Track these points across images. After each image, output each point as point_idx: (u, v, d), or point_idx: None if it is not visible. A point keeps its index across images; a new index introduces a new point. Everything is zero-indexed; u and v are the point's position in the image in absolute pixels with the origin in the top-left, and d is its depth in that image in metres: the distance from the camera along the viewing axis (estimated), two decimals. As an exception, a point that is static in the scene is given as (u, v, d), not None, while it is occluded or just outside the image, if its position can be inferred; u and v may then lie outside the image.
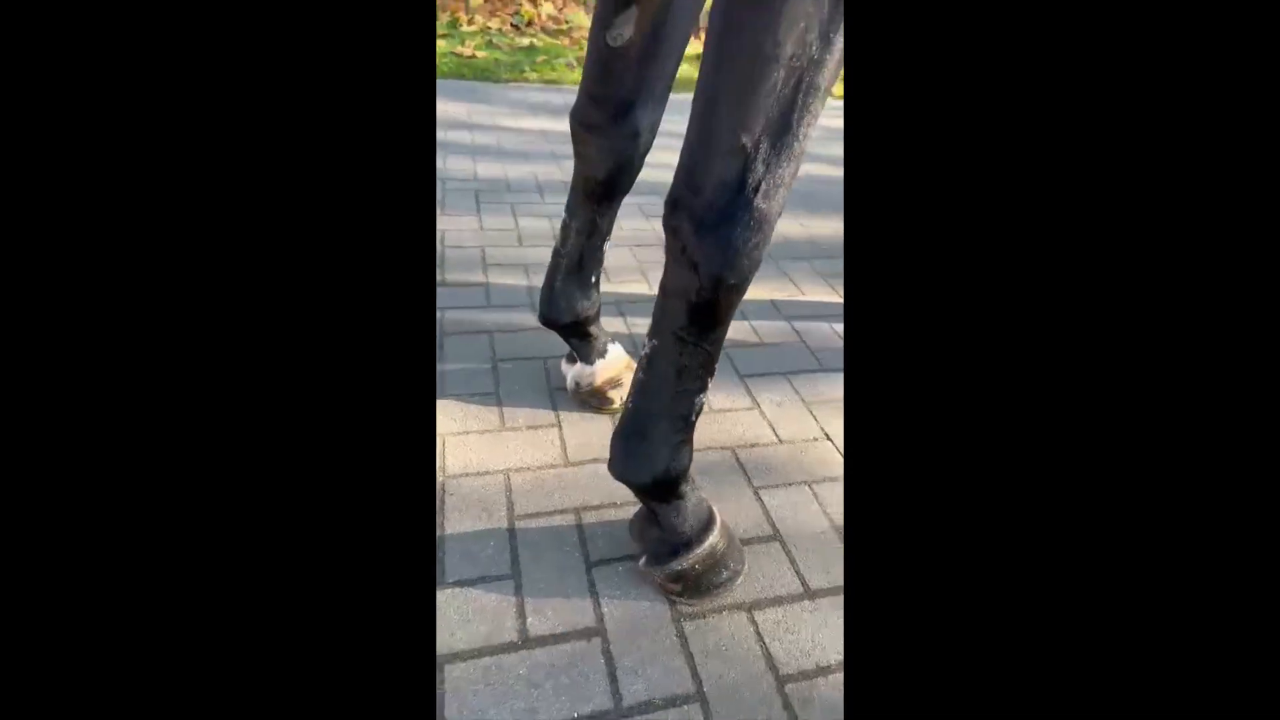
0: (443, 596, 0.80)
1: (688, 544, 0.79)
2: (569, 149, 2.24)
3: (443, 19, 3.63)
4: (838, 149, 2.32)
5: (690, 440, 0.76)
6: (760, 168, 0.56)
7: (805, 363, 1.31)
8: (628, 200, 1.65)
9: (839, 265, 1.70)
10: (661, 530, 0.79)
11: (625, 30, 0.76)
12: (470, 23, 3.65)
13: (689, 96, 2.05)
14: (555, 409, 1.11)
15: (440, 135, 2.22)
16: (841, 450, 1.09)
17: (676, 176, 0.60)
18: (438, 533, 0.88)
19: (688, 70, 2.44)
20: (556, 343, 1.24)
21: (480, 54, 3.23)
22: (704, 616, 0.81)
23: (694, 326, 0.66)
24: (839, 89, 2.53)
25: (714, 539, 0.80)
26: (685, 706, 0.72)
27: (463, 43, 3.32)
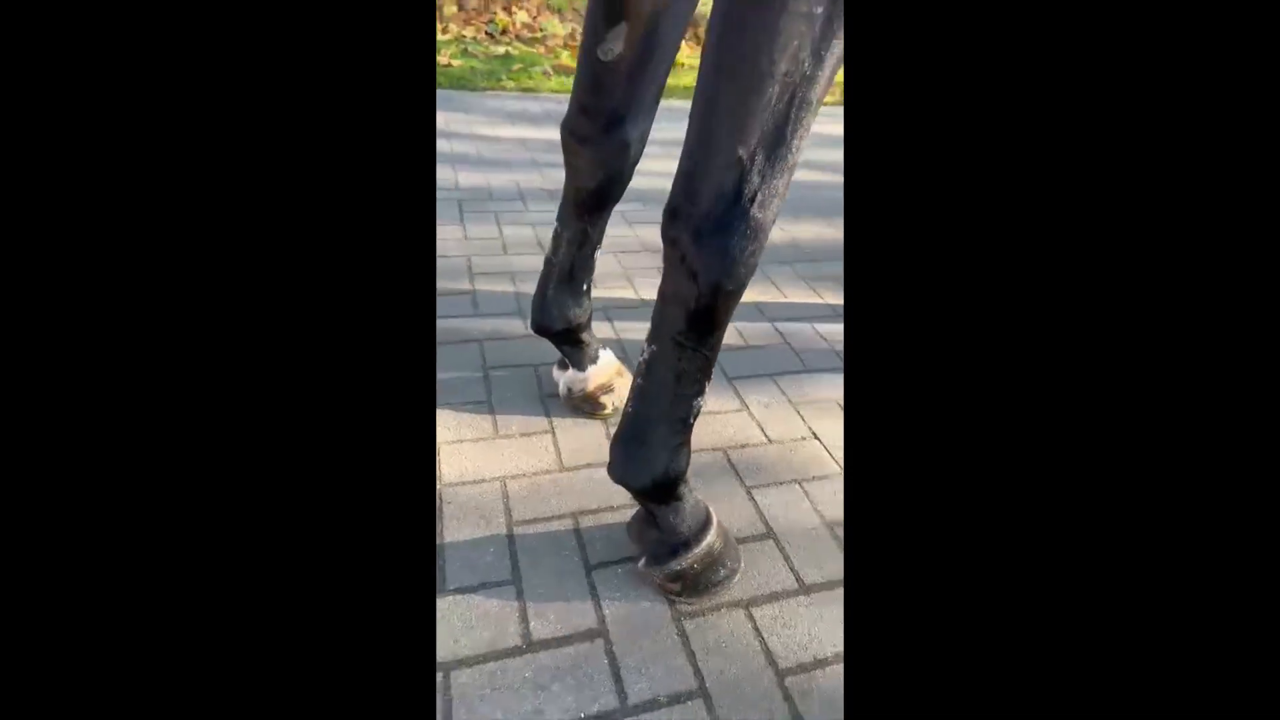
0: (445, 604, 0.81)
1: (686, 544, 0.80)
2: (550, 157, 2.25)
3: (417, 27, 3.61)
4: (819, 154, 2.36)
5: (688, 443, 0.78)
6: (756, 179, 0.58)
7: (791, 364, 1.34)
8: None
9: (820, 269, 1.74)
10: (660, 531, 0.81)
11: (616, 45, 0.78)
12: (445, 31, 3.64)
13: (674, 103, 2.06)
14: (548, 415, 1.12)
15: (420, 144, 2.22)
16: (829, 448, 1.12)
17: (674, 187, 0.63)
18: (437, 541, 0.88)
19: (672, 79, 2.47)
20: (547, 350, 1.25)
21: (456, 62, 3.23)
22: (703, 614, 0.83)
23: (692, 332, 0.68)
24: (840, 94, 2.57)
25: (711, 538, 0.82)
26: (689, 703, 0.73)
27: (438, 51, 3.32)
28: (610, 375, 1.12)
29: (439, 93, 2.83)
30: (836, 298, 1.61)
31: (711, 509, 0.86)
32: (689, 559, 0.80)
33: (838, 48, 0.53)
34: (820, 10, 0.50)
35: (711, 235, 0.60)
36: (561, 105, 2.86)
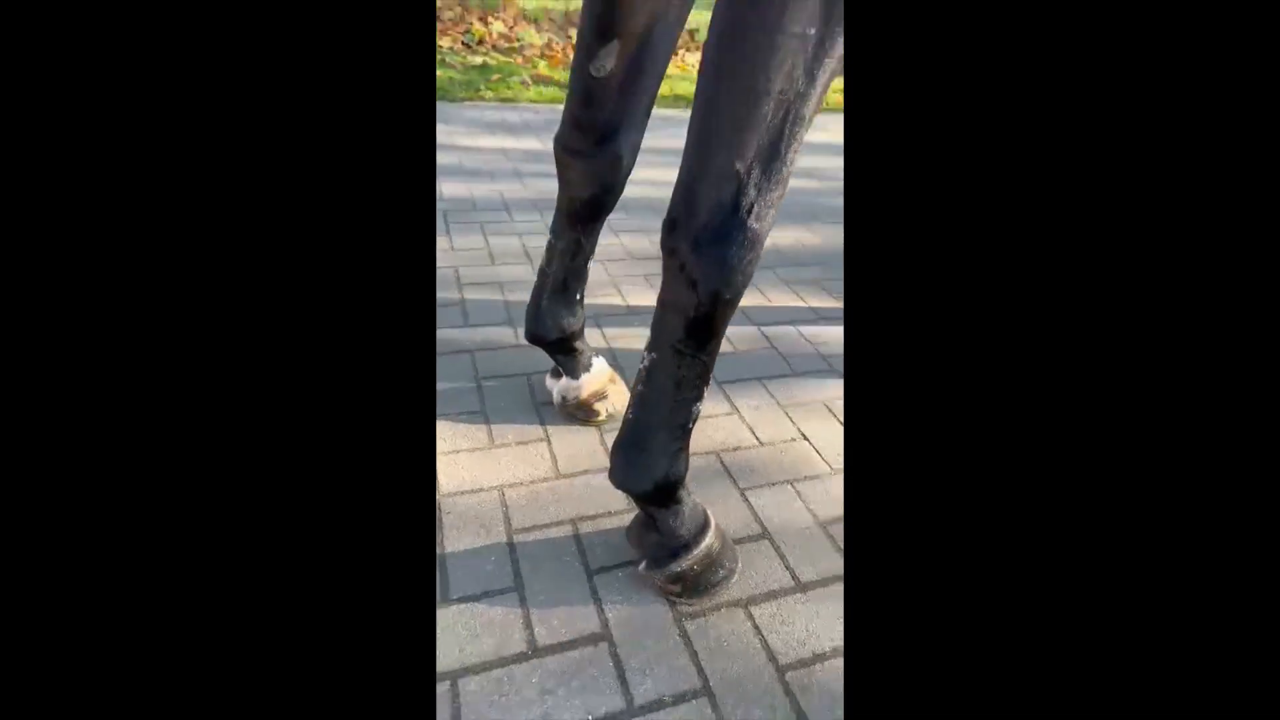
0: (450, 613, 0.81)
1: (686, 546, 0.82)
2: (532, 167, 2.26)
3: (392, 38, 3.60)
4: (801, 161, 2.41)
5: (687, 447, 0.80)
6: (753, 191, 0.60)
7: (778, 368, 1.36)
8: (596, 216, 1.69)
9: (801, 273, 1.77)
10: (661, 535, 0.83)
11: (608, 61, 0.80)
12: (421, 41, 3.63)
13: (657, 111, 2.08)
14: (542, 423, 1.14)
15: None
16: (818, 449, 1.15)
17: (673, 200, 0.65)
18: (439, 551, 0.89)
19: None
20: (538, 359, 1.27)
21: (433, 73, 3.22)
22: (704, 615, 0.84)
23: (691, 339, 0.70)
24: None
25: (710, 540, 0.84)
26: (694, 701, 0.75)
27: (415, 61, 3.30)
28: (603, 382, 1.14)
29: (417, 103, 2.82)
30: (818, 301, 1.65)
31: (709, 511, 0.88)
32: (689, 561, 0.82)
33: (829, 66, 0.56)
34: (813, 31, 0.53)
35: (710, 246, 0.63)
36: (540, 115, 2.87)
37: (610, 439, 1.11)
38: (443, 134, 2.49)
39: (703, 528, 0.85)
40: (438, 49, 3.61)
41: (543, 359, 1.26)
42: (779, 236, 1.98)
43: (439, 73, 3.24)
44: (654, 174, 2.00)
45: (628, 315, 1.49)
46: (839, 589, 0.90)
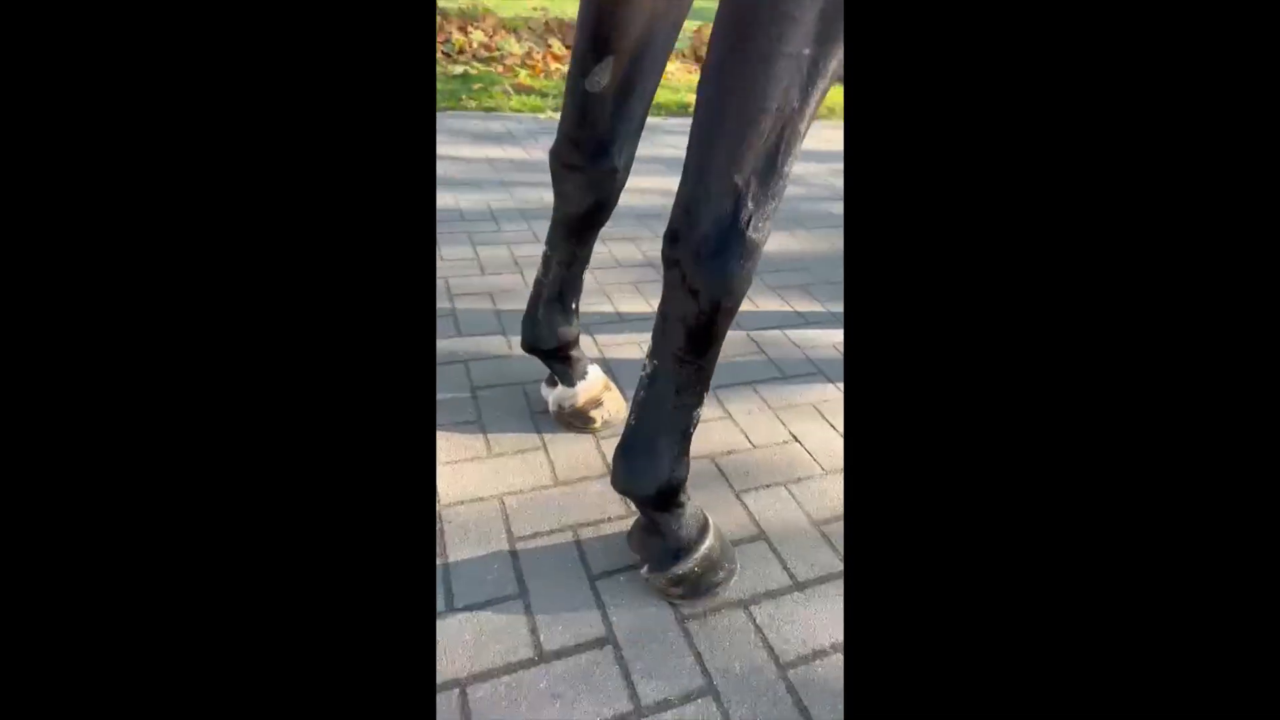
0: (456, 621, 0.82)
1: (688, 548, 0.84)
2: (518, 176, 2.28)
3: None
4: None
5: (688, 451, 0.82)
6: (751, 204, 0.63)
7: (768, 372, 1.39)
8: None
9: (787, 278, 1.81)
10: (663, 538, 0.85)
11: (603, 77, 0.83)
12: (400, 51, 3.62)
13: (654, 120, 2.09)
14: (539, 432, 1.15)
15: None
16: (810, 451, 1.18)
17: (674, 213, 0.67)
18: (442, 560, 0.90)
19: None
20: (532, 367, 1.28)
21: (414, 82, 3.22)
22: (705, 616, 0.86)
23: (692, 347, 0.72)
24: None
25: (710, 542, 0.86)
26: (700, 700, 0.77)
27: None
28: (598, 390, 1.15)
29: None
30: (803, 305, 1.68)
31: (708, 514, 0.90)
32: (691, 563, 0.84)
33: (822, 85, 0.59)
34: (808, 53, 0.56)
35: (711, 257, 0.65)
36: (523, 125, 2.89)
37: (606, 446, 1.13)
38: (426, 144, 2.49)
39: (703, 530, 0.87)
40: (418, 59, 3.60)
41: (536, 367, 1.27)
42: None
43: (420, 83, 3.24)
44: (640, 182, 2.02)
45: (618, 322, 1.51)
46: (835, 587, 0.92)
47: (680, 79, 3.90)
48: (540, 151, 2.58)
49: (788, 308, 1.66)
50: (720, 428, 1.21)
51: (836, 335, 1.56)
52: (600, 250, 1.82)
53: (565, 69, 3.81)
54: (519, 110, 3.10)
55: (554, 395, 1.14)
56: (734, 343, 1.48)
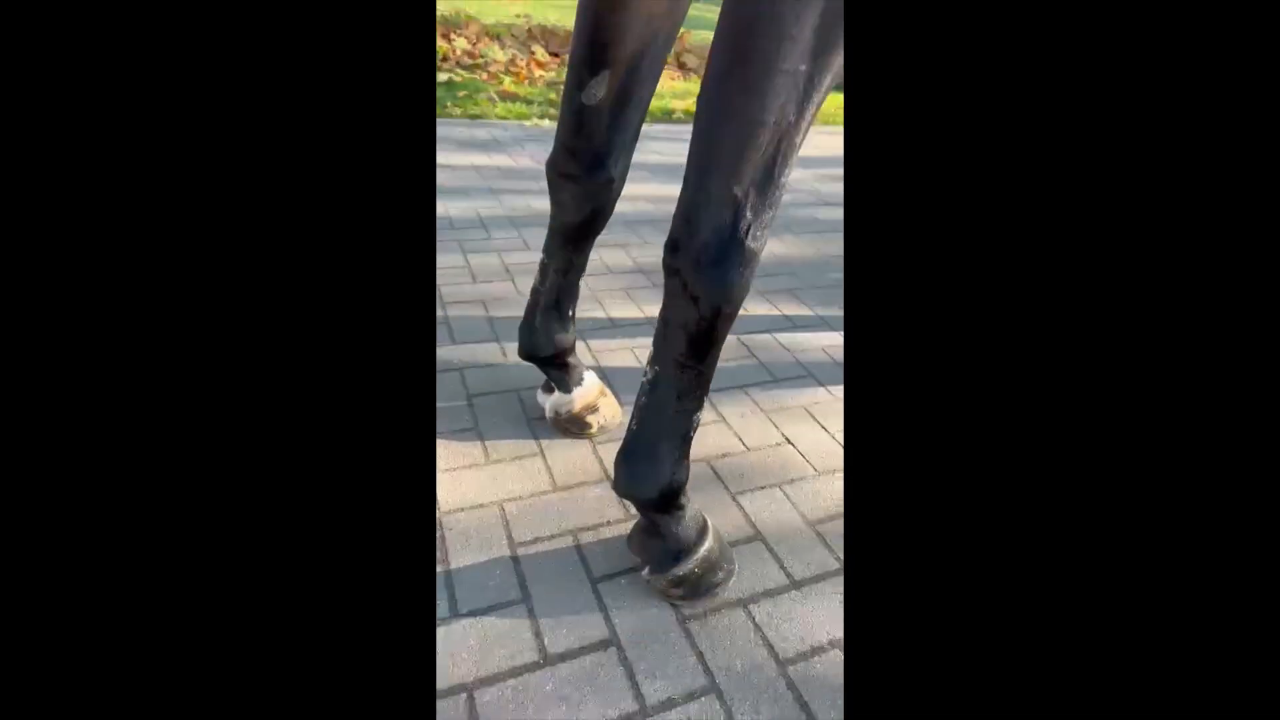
0: (460, 627, 0.83)
1: (688, 550, 0.86)
2: (506, 184, 2.29)
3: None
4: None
5: (688, 455, 0.83)
6: (750, 214, 0.65)
7: (759, 376, 1.42)
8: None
9: (776, 282, 1.84)
10: (663, 540, 0.86)
11: (600, 90, 0.84)
12: (384, 58, 3.62)
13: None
14: (536, 438, 1.16)
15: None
16: (802, 452, 1.20)
17: (675, 223, 0.69)
18: (444, 567, 0.90)
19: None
20: (527, 374, 1.29)
21: (399, 90, 3.22)
22: (705, 616, 0.88)
23: (692, 352, 0.74)
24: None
25: (710, 543, 0.88)
26: (703, 699, 0.78)
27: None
28: (594, 396, 1.17)
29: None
30: (792, 309, 1.71)
31: (707, 516, 0.92)
32: (691, 564, 0.86)
33: (816, 99, 0.61)
34: (804, 69, 0.58)
35: (711, 265, 0.67)
36: (509, 132, 2.90)
37: (603, 451, 1.14)
38: (413, 152, 2.49)
39: (702, 532, 0.88)
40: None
41: (531, 374, 1.29)
42: (751, 247, 2.03)
43: (405, 90, 3.23)
44: (628, 189, 2.04)
45: (610, 328, 1.53)
46: (831, 585, 0.95)
47: (664, 85, 3.93)
48: (527, 158, 2.59)
49: (777, 312, 1.69)
50: (714, 431, 1.23)
51: (825, 339, 1.59)
52: (591, 257, 1.82)
53: (549, 76, 3.83)
54: (504, 117, 3.11)
55: (550, 401, 1.15)
56: (725, 347, 1.50)
